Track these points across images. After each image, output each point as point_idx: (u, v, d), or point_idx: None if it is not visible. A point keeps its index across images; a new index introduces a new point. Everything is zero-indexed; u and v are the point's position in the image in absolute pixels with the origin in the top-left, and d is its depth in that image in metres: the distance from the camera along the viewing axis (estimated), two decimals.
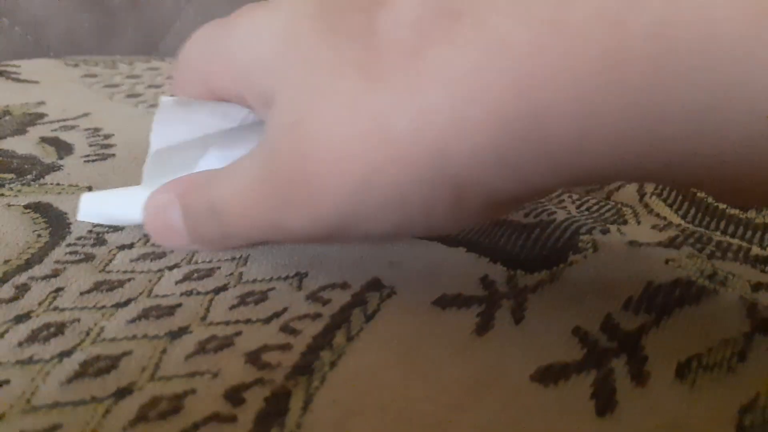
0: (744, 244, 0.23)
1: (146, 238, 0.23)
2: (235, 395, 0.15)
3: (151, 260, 0.22)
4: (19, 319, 0.18)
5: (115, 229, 0.24)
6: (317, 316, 0.18)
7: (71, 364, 0.16)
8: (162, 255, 0.22)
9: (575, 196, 0.26)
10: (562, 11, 0.11)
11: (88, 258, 0.22)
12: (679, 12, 0.11)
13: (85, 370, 0.16)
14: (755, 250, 0.22)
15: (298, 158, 0.14)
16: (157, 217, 0.19)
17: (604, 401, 0.15)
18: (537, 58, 0.12)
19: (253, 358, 0.16)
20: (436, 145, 0.13)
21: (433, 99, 0.12)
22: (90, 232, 0.24)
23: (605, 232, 0.22)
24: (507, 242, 0.22)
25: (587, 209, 0.25)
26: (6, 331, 0.17)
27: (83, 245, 0.23)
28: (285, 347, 0.17)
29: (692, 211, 0.25)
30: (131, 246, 0.23)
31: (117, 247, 0.23)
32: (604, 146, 0.12)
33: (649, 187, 0.27)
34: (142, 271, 0.21)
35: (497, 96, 0.12)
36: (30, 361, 0.16)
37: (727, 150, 0.11)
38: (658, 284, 0.19)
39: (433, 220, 0.14)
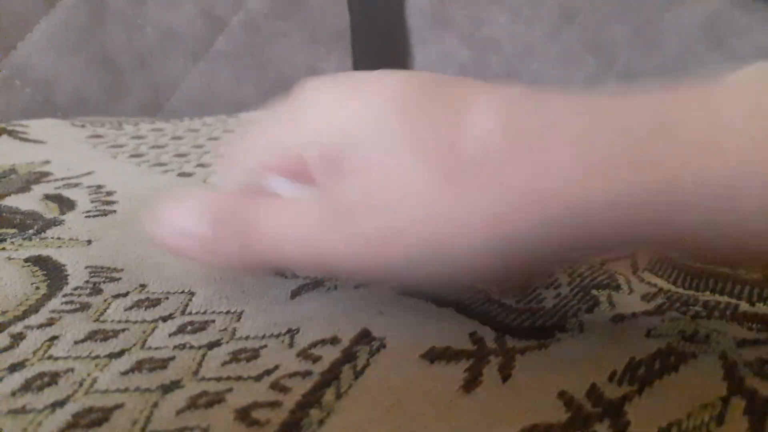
0: (732, 300, 0.23)
1: (141, 287, 0.24)
2: None
3: (146, 309, 0.22)
4: (14, 368, 0.18)
5: (112, 279, 0.24)
6: (307, 373, 0.18)
7: (64, 414, 0.16)
8: (156, 303, 0.23)
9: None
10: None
11: (84, 307, 0.22)
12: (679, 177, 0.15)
13: (77, 422, 0.16)
14: (743, 306, 0.23)
15: (365, 211, 0.17)
16: (176, 222, 0.20)
17: None
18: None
19: (243, 414, 0.17)
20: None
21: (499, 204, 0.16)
22: (87, 282, 0.24)
23: (592, 309, 0.23)
24: (497, 314, 0.23)
25: (579, 275, 0.26)
26: (0, 380, 0.18)
27: (79, 295, 0.23)
28: (275, 404, 0.17)
29: (682, 275, 0.26)
30: (126, 294, 0.23)
31: (112, 296, 0.23)
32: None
33: (642, 263, 0.27)
34: (136, 321, 0.21)
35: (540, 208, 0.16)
36: (23, 410, 0.16)
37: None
38: (639, 359, 0.19)
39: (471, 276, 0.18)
